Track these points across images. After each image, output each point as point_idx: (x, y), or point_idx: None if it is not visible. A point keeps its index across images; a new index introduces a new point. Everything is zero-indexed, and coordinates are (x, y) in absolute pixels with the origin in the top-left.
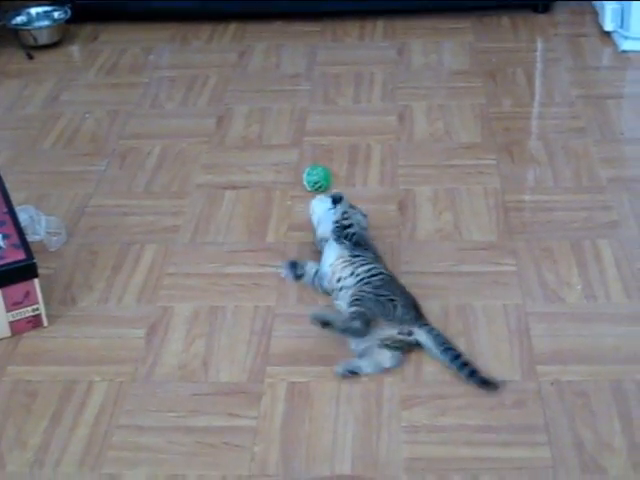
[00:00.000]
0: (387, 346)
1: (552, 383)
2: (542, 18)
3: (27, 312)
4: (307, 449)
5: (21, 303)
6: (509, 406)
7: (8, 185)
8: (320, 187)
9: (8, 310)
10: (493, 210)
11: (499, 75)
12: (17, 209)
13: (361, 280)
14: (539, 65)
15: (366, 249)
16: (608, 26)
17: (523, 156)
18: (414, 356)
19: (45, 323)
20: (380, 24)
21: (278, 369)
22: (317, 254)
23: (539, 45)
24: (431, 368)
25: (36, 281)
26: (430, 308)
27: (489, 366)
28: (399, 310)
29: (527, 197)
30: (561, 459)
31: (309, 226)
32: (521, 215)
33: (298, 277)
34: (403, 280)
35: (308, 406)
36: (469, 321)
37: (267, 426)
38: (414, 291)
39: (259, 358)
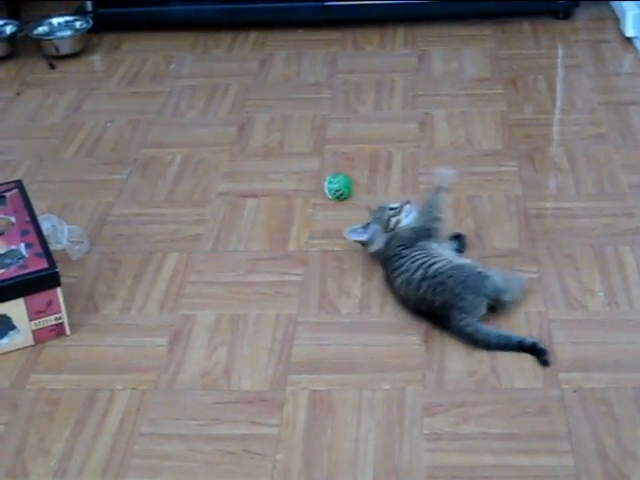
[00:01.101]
0: None
1: (575, 391)
2: (563, 24)
3: (50, 321)
4: (329, 457)
5: (44, 312)
6: (532, 414)
7: (31, 194)
8: (341, 195)
9: (31, 319)
10: (515, 217)
11: (520, 82)
12: (40, 218)
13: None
14: (560, 71)
15: None
16: (629, 32)
17: (545, 163)
18: (436, 365)
19: (68, 332)
20: (401, 31)
21: (300, 377)
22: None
23: (560, 51)
24: (453, 376)
25: (59, 290)
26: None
27: (511, 373)
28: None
29: (549, 204)
30: (584, 467)
31: (330, 234)
32: (543, 222)
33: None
34: None
35: (330, 414)
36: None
37: (289, 434)
38: None
39: (281, 366)
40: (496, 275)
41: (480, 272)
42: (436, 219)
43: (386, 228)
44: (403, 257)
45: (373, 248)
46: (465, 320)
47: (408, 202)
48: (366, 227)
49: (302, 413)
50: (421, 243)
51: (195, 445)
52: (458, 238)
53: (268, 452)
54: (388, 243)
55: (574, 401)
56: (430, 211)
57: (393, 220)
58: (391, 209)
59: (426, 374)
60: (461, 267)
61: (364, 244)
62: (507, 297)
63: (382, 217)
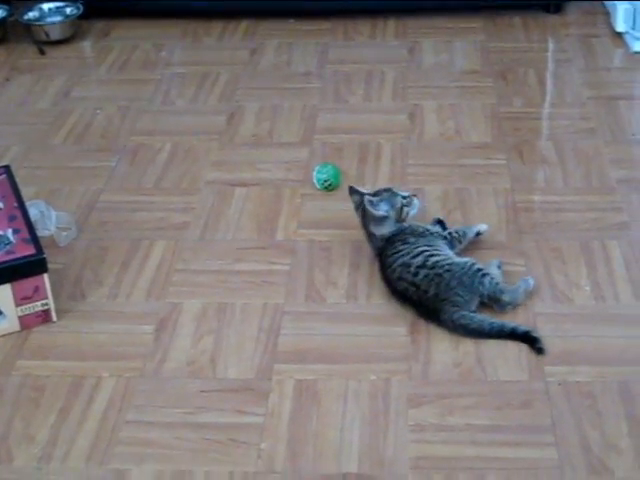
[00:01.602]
0: None
1: (559, 384)
2: (554, 18)
3: (36, 307)
4: (314, 447)
5: (30, 298)
6: (516, 406)
7: (19, 180)
8: (330, 185)
9: (17, 305)
10: (502, 210)
11: (510, 75)
12: (27, 204)
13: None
14: (550, 65)
15: None
16: (620, 27)
17: (533, 156)
18: (421, 356)
19: (54, 318)
20: (391, 23)
21: (286, 366)
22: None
23: (550, 45)
24: (439, 367)
25: (46, 276)
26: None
27: (496, 365)
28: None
29: (537, 197)
30: (568, 460)
31: (318, 224)
32: (531, 215)
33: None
34: None
35: (315, 404)
36: None
37: (274, 423)
38: None
39: (267, 355)
40: (497, 275)
41: (479, 269)
42: (455, 239)
43: (398, 217)
44: (407, 243)
45: (380, 230)
46: (457, 313)
47: (415, 195)
48: (378, 203)
49: (288, 402)
50: (429, 239)
51: (180, 433)
52: (439, 223)
53: (253, 441)
54: (396, 232)
55: (559, 394)
56: (458, 234)
57: (405, 210)
58: (403, 197)
59: (412, 365)
60: (460, 264)
61: (365, 218)
62: (505, 297)
63: (395, 204)
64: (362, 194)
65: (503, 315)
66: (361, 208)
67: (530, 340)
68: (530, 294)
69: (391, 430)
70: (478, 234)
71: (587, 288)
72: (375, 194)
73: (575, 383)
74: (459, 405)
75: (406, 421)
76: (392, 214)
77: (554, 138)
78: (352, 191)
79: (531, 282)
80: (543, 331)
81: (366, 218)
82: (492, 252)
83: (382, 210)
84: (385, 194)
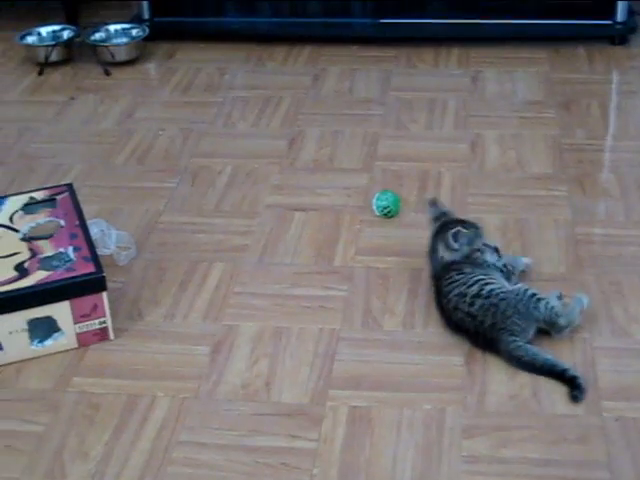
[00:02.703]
0: None
1: (617, 419)
2: (618, 50)
3: (94, 325)
4: (366, 474)
5: (89, 315)
6: (572, 441)
7: (81, 198)
8: (389, 212)
9: (76, 322)
10: (563, 242)
11: (573, 106)
12: (89, 222)
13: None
14: (614, 97)
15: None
16: None
17: (595, 189)
18: (477, 387)
19: (111, 336)
20: (455, 51)
21: (340, 393)
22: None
23: (615, 77)
24: (494, 398)
25: (104, 294)
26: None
27: (553, 399)
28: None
29: (598, 230)
30: None
31: (376, 251)
32: (591, 248)
33: (437, 218)
34: None
35: (369, 431)
36: None
37: (327, 449)
38: None
39: (322, 381)
40: (552, 299)
41: (533, 294)
42: (510, 271)
43: (468, 257)
44: (463, 273)
45: (443, 253)
46: (514, 343)
47: (497, 249)
48: (460, 237)
49: (341, 429)
50: (486, 270)
51: (233, 456)
52: (496, 251)
53: (305, 466)
54: (456, 261)
55: (615, 429)
56: (512, 267)
57: (477, 254)
58: (485, 244)
59: (467, 395)
60: (515, 291)
61: (438, 235)
62: (562, 321)
63: (473, 245)
64: (443, 213)
65: (562, 344)
66: (438, 224)
67: (573, 385)
68: (585, 312)
69: (444, 461)
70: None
71: None
72: (463, 224)
73: (632, 419)
74: (514, 438)
75: (459, 452)
76: (464, 250)
77: (616, 171)
78: (432, 204)
79: (585, 300)
80: (600, 365)
81: (439, 235)
82: (551, 284)
83: (457, 244)
84: (471, 230)
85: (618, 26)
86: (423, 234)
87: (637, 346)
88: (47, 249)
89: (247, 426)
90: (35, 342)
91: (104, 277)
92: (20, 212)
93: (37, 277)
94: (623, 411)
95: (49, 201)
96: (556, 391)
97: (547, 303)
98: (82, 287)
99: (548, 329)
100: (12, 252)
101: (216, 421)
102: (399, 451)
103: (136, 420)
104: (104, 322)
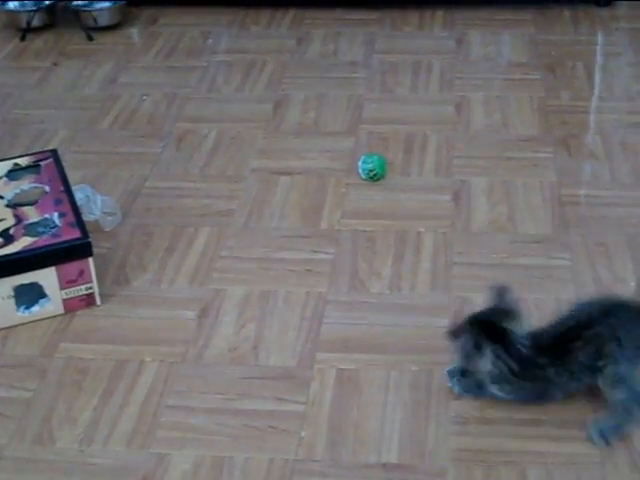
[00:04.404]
0: None
1: None
2: (603, 12)
3: (81, 290)
4: (354, 436)
5: (75, 281)
6: (558, 401)
7: (65, 164)
8: (375, 175)
9: (62, 288)
10: (548, 204)
11: (558, 68)
12: (74, 188)
13: None
14: (599, 59)
15: None
16: None
17: (580, 150)
18: None
19: (98, 302)
20: (439, 14)
21: (328, 355)
22: None
23: (600, 39)
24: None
25: (90, 260)
26: (482, 300)
27: None
28: None
29: (583, 192)
30: (610, 456)
31: (362, 214)
32: (577, 210)
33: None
34: (456, 270)
35: (357, 393)
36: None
37: (315, 412)
38: (467, 283)
39: (309, 344)
40: None
41: None
42: None
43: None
44: None
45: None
46: None
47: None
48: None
49: (329, 391)
50: None
51: (221, 419)
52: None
53: (293, 428)
54: None
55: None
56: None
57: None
58: None
59: (454, 357)
60: None
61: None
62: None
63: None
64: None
65: (549, 307)
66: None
67: None
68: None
69: (432, 421)
70: None
71: (632, 283)
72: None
73: None
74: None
75: (447, 413)
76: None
77: (602, 132)
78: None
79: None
80: None
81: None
82: (537, 245)
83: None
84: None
85: None
86: (409, 197)
87: None
88: (32, 215)
89: (235, 390)
90: (22, 308)
91: (90, 243)
92: (4, 178)
93: (23, 243)
94: None
95: (33, 167)
96: None
97: None
98: (68, 253)
99: None
100: None
101: (204, 385)
102: (387, 413)
103: (124, 385)
104: (90, 288)
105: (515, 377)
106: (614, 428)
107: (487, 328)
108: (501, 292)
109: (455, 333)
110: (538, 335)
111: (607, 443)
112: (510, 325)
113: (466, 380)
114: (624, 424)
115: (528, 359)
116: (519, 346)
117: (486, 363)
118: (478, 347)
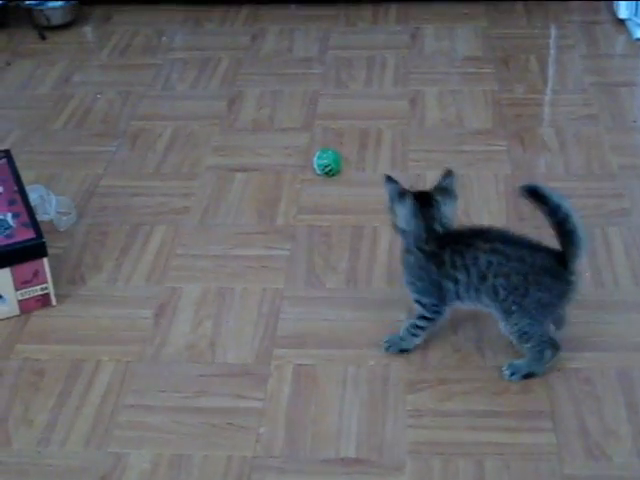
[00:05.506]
0: None
1: (558, 369)
2: (556, 5)
3: (36, 291)
4: (312, 432)
5: (30, 282)
6: (515, 392)
7: (19, 164)
8: (330, 171)
9: (17, 289)
10: (503, 196)
11: (512, 61)
12: (27, 188)
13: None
14: (552, 52)
15: None
16: (622, 14)
17: (534, 143)
18: (421, 341)
19: (54, 302)
20: (393, 9)
21: (285, 351)
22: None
23: (553, 32)
24: (438, 352)
25: (45, 260)
26: None
27: (496, 351)
28: None
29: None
30: (566, 445)
31: (318, 209)
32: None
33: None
34: None
35: (314, 389)
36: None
37: (273, 408)
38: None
39: (266, 340)
40: None
41: None
42: None
43: None
44: None
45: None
46: None
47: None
48: None
49: (286, 387)
50: None
51: (179, 417)
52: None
53: (252, 425)
54: None
55: (557, 380)
56: None
57: None
58: None
59: (410, 352)
60: None
61: None
62: None
63: None
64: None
65: None
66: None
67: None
68: None
69: (389, 415)
70: None
71: (587, 274)
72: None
73: (574, 369)
74: (457, 391)
75: (404, 406)
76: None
77: (555, 124)
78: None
79: None
80: None
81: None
82: None
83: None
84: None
85: None
86: (364, 192)
87: (578, 297)
88: None
89: (193, 387)
90: None
91: (44, 243)
92: None
93: None
94: (565, 362)
95: None
96: (499, 343)
97: None
98: (22, 253)
99: None
100: None
101: (161, 383)
102: (345, 408)
103: (81, 385)
104: (46, 288)
105: (421, 251)
106: (527, 368)
107: (419, 192)
108: (446, 175)
109: (389, 178)
110: (460, 231)
111: (520, 379)
112: (443, 202)
113: (393, 338)
114: (536, 367)
115: (438, 238)
116: (438, 221)
117: (403, 216)
118: (402, 196)
